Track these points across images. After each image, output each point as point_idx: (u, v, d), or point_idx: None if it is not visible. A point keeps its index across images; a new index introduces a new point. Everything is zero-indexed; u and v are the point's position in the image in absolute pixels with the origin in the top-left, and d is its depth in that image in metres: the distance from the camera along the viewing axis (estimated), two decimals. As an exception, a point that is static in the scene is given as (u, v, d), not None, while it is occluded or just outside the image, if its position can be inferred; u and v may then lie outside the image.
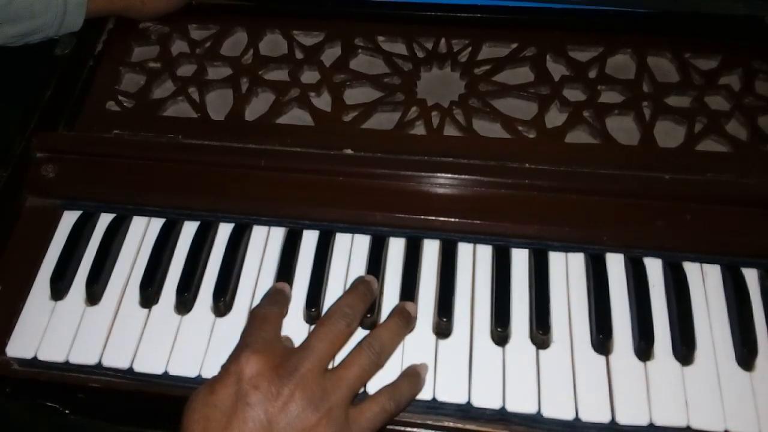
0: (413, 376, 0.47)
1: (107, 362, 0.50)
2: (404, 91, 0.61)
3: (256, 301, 0.51)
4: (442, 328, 0.50)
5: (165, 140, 0.59)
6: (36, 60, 0.67)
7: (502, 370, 0.48)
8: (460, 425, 0.47)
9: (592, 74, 0.61)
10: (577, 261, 0.53)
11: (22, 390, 0.51)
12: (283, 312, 0.50)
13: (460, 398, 0.47)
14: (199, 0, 0.69)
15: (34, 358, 0.51)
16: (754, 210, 0.52)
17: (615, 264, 0.52)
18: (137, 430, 0.53)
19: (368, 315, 0.49)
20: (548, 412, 0.46)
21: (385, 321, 0.48)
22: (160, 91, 0.64)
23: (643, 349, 0.48)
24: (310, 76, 0.63)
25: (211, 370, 0.48)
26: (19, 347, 0.51)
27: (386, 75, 0.62)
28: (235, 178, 0.56)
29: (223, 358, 0.45)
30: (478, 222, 0.53)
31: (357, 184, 0.55)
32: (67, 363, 0.51)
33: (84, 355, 0.51)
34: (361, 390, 0.47)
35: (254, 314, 0.47)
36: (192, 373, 0.49)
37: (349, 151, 0.57)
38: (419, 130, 0.59)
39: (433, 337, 0.50)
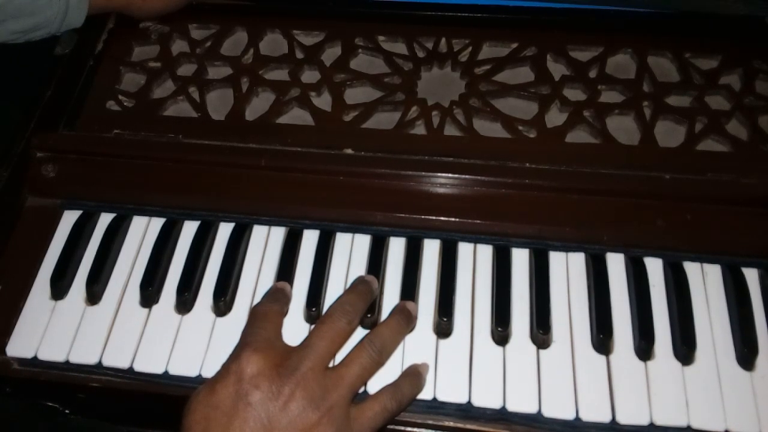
0: (414, 375, 0.47)
1: (107, 362, 0.50)
2: (404, 90, 0.61)
3: (257, 301, 0.50)
4: (443, 328, 0.50)
5: (165, 140, 0.59)
6: (36, 59, 0.67)
7: (502, 369, 0.48)
8: (460, 425, 0.47)
9: (593, 74, 0.61)
10: (577, 261, 0.53)
11: (22, 390, 0.51)
12: (283, 311, 0.50)
13: (461, 398, 0.47)
14: (199, 0, 0.69)
15: (35, 358, 0.51)
16: (754, 210, 0.52)
17: (615, 264, 0.52)
18: (137, 430, 0.53)
19: (368, 315, 0.49)
20: (549, 412, 0.46)
21: (385, 320, 0.48)
22: (160, 90, 0.64)
23: (644, 348, 0.48)
24: (310, 76, 0.63)
25: (211, 370, 0.48)
26: (19, 347, 0.51)
27: (386, 75, 0.62)
28: (236, 177, 0.57)
29: (224, 358, 0.45)
30: (478, 222, 0.53)
31: (357, 183, 0.55)
32: (67, 363, 0.51)
33: (84, 355, 0.51)
34: (362, 390, 0.47)
35: (255, 313, 0.47)
36: (192, 373, 0.49)
37: (349, 151, 0.57)
38: (419, 129, 0.59)
39: (434, 336, 0.50)
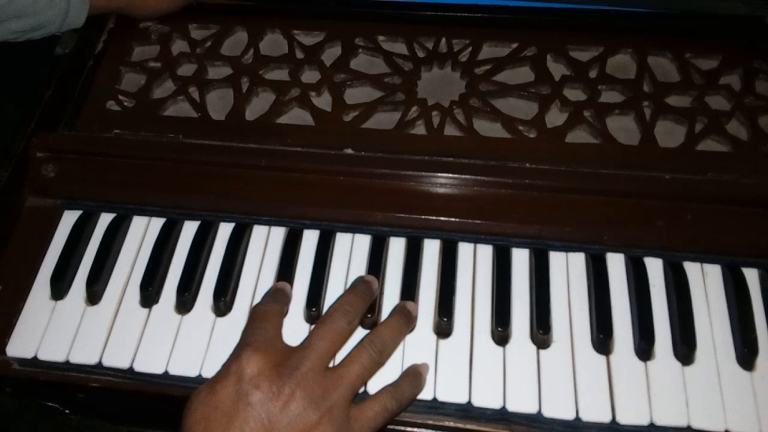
0: (415, 375, 0.47)
1: (107, 362, 0.50)
2: (405, 90, 0.61)
3: (257, 301, 0.50)
4: (443, 328, 0.50)
5: (165, 140, 0.59)
6: (36, 59, 0.67)
7: (502, 369, 0.48)
8: (460, 425, 0.47)
9: (593, 74, 0.61)
10: (577, 261, 0.53)
11: (22, 390, 0.51)
12: (283, 310, 0.50)
13: (461, 398, 0.47)
14: (199, 0, 0.69)
15: (35, 358, 0.51)
16: (754, 210, 0.52)
17: (615, 264, 0.52)
18: (137, 430, 0.53)
19: (368, 315, 0.49)
20: (549, 412, 0.46)
21: (385, 320, 0.48)
22: (160, 90, 0.64)
23: (644, 348, 0.48)
24: (310, 76, 0.63)
25: (211, 370, 0.48)
26: (19, 347, 0.51)
27: (387, 75, 0.62)
28: (236, 177, 0.57)
29: (224, 358, 0.44)
30: (478, 222, 0.54)
31: (357, 183, 0.55)
32: (67, 363, 0.51)
33: (84, 355, 0.51)
34: (362, 390, 0.47)
35: (255, 312, 0.47)
36: (192, 373, 0.49)
37: (349, 151, 0.57)
38: (420, 129, 0.59)
39: (434, 336, 0.50)
